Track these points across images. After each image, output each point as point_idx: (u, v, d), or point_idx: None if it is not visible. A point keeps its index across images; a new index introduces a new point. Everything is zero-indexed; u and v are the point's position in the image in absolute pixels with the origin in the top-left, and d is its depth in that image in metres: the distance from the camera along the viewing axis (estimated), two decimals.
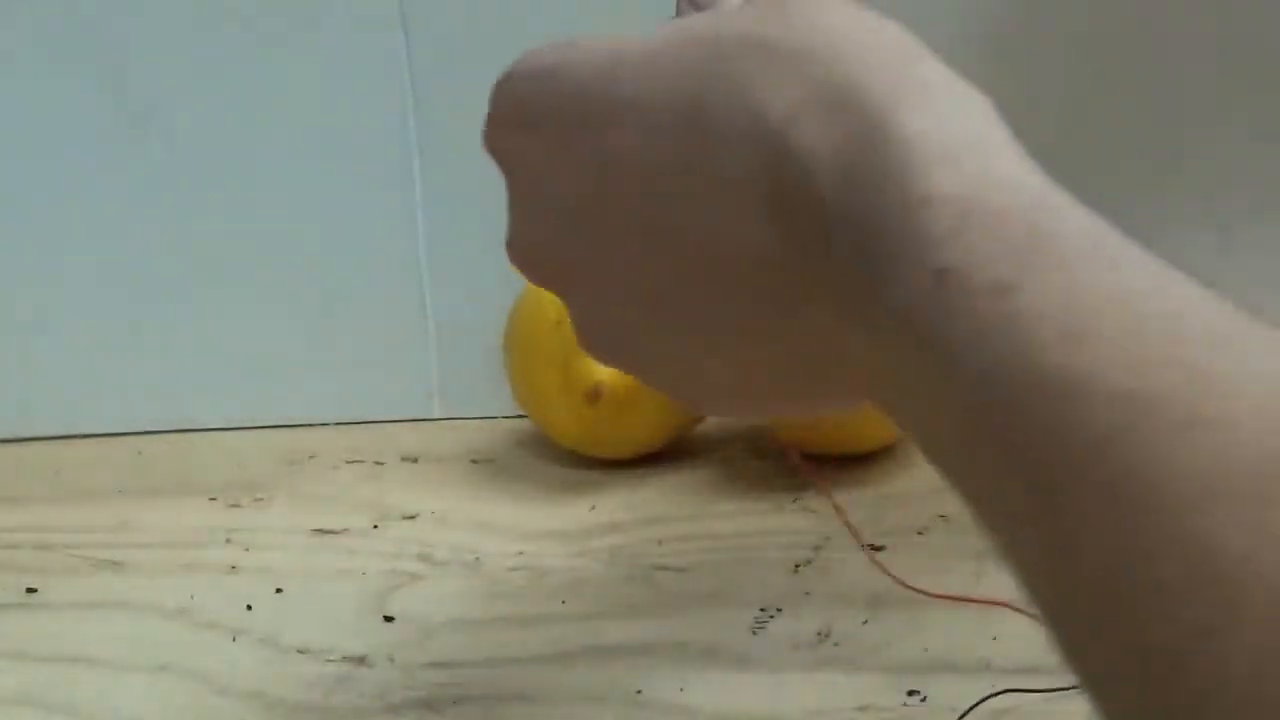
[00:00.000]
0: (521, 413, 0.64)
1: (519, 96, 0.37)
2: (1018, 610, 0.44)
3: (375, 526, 0.58)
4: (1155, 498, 0.21)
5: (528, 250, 0.37)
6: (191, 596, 0.53)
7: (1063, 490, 0.23)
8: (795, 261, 0.30)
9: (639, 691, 0.45)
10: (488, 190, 0.67)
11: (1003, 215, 0.26)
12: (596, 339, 0.36)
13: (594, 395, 0.58)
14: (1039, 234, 0.25)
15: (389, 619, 0.50)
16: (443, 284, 0.67)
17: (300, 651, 0.49)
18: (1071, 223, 0.26)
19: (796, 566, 0.52)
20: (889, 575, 0.49)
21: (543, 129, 0.35)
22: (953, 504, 0.58)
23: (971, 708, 0.42)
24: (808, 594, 0.50)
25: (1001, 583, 0.48)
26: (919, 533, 0.53)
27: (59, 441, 0.67)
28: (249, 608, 0.52)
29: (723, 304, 0.32)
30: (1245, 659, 0.20)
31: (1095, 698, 0.23)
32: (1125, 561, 0.22)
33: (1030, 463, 0.24)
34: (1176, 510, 0.21)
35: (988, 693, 0.43)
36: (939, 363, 0.26)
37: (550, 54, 0.36)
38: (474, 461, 0.63)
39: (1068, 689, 0.42)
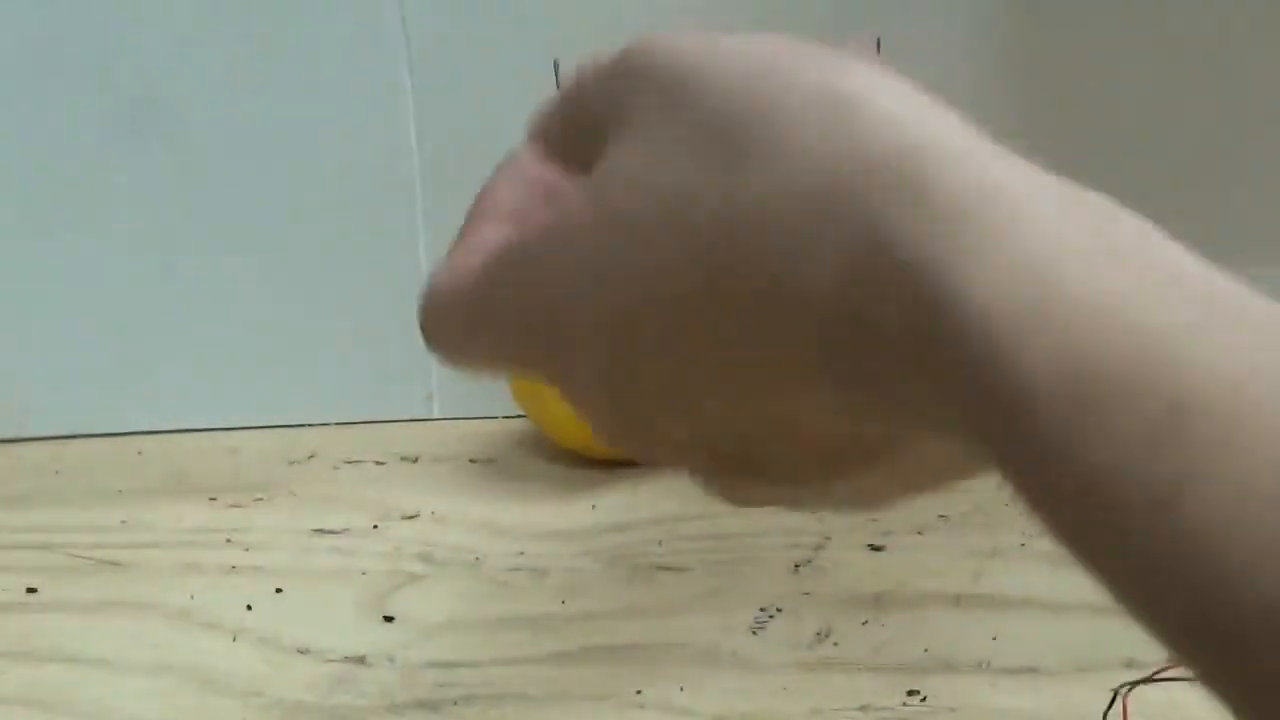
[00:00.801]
0: (521, 413, 0.64)
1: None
2: None
3: (375, 526, 0.58)
4: None
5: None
6: (191, 596, 0.53)
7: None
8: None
9: (639, 691, 0.45)
10: None
11: (1138, 391, 0.21)
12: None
13: None
14: (1181, 408, 0.20)
15: (389, 619, 0.50)
16: None
17: (300, 651, 0.49)
18: (1212, 366, 0.21)
19: (796, 566, 0.52)
20: None
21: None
22: (953, 504, 0.58)
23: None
24: (808, 594, 0.50)
25: (1000, 582, 0.48)
26: (919, 533, 0.53)
27: (59, 441, 0.67)
28: (249, 608, 0.51)
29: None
30: None
31: None
32: None
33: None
34: None
35: (988, 692, 0.43)
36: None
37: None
38: (474, 461, 0.63)
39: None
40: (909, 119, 0.24)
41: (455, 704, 0.45)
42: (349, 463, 0.64)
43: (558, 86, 0.57)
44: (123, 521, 0.59)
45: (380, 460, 0.64)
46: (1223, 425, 0.20)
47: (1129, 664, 0.43)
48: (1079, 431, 0.21)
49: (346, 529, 0.57)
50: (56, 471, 0.64)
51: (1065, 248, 0.22)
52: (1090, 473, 0.21)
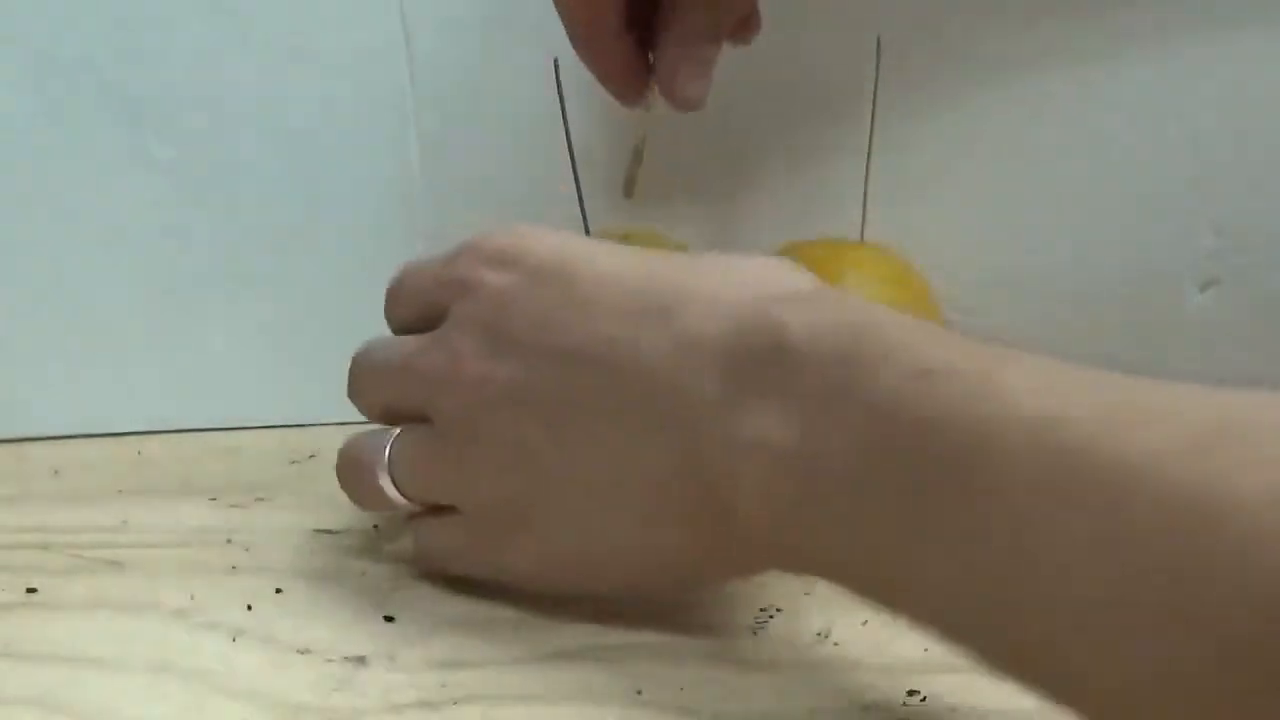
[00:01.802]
0: None
1: (498, 240, 0.47)
2: None
3: (375, 526, 0.58)
4: (1078, 484, 0.31)
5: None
6: (191, 596, 0.53)
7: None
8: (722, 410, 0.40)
9: (639, 691, 0.45)
10: (488, 191, 0.67)
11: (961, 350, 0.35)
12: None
13: None
14: (1000, 353, 0.35)
15: (389, 619, 0.50)
16: None
17: (300, 651, 0.49)
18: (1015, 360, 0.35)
19: None
20: None
21: (515, 268, 0.46)
22: None
23: None
24: (808, 594, 0.50)
25: None
26: None
27: (59, 441, 0.67)
28: (249, 608, 0.52)
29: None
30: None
31: None
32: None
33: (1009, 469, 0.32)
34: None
35: (988, 692, 0.43)
36: (913, 434, 0.34)
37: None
38: None
39: None
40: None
41: (455, 704, 0.45)
42: None
43: (558, 86, 0.58)
44: (123, 521, 0.59)
45: None
46: (1018, 364, 0.34)
47: None
48: (936, 349, 0.35)
49: (346, 529, 0.57)
50: (56, 471, 0.64)
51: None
52: (938, 363, 0.34)
